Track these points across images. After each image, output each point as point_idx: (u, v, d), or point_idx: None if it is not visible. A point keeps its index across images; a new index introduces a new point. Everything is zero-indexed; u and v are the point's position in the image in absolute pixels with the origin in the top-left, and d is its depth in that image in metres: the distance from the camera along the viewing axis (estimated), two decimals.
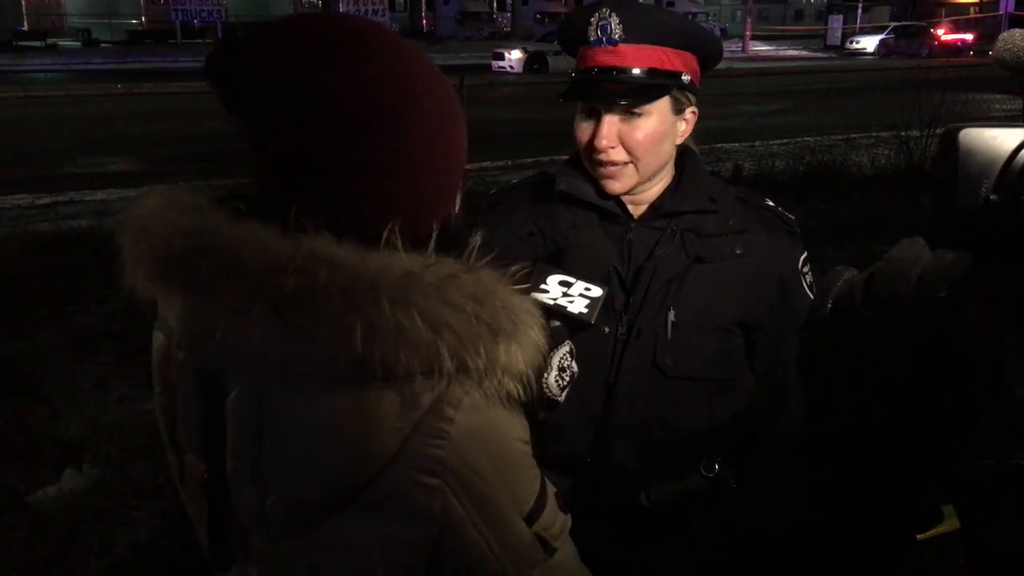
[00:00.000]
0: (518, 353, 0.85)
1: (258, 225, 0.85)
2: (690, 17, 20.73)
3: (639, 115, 1.48)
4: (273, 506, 0.91)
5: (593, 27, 1.47)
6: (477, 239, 0.89)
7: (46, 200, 8.46)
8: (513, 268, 0.89)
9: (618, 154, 1.49)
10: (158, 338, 1.04)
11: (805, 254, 1.62)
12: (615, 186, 1.52)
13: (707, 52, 1.54)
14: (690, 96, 1.54)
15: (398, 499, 0.85)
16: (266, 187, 0.91)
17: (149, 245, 0.87)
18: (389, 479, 0.84)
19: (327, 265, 0.81)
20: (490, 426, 0.86)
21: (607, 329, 1.49)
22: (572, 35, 1.53)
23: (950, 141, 0.70)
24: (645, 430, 1.51)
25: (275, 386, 0.88)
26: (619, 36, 1.45)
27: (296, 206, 0.84)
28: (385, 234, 0.85)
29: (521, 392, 0.86)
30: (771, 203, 1.64)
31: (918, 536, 0.65)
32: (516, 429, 0.90)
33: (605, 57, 1.47)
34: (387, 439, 0.83)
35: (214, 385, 0.94)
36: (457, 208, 0.97)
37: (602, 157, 1.50)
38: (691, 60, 1.51)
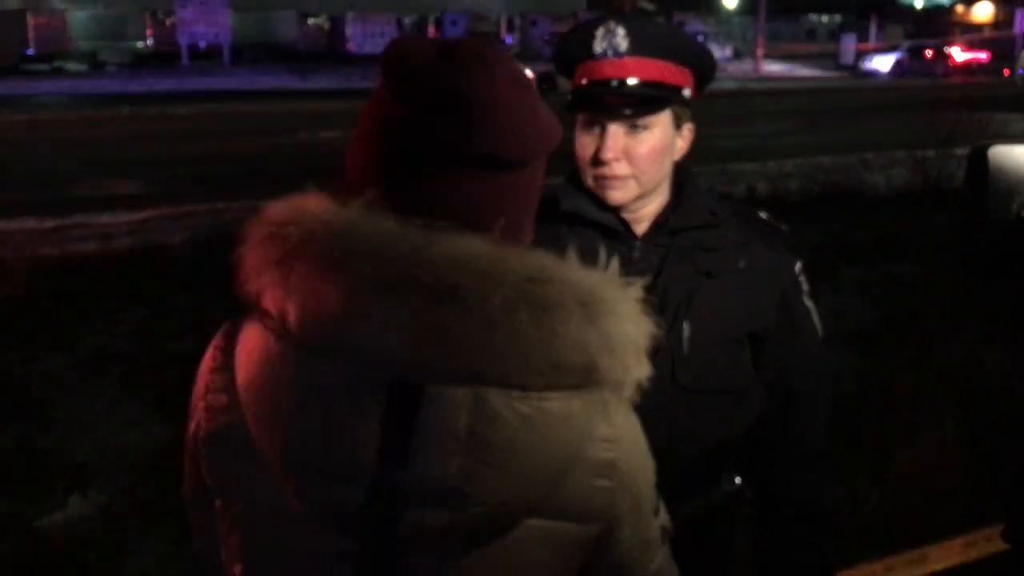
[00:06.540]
0: (646, 365, 0.96)
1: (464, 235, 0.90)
2: (700, 37, 20.91)
3: (643, 128, 1.49)
4: (469, 518, 0.89)
5: (599, 40, 1.48)
6: None
7: (52, 224, 8.50)
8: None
9: (622, 168, 1.49)
10: (216, 358, 0.98)
11: (800, 263, 1.65)
12: (616, 196, 1.51)
13: (704, 69, 1.56)
14: (688, 112, 1.56)
15: (577, 502, 0.92)
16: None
17: (298, 243, 0.89)
18: (570, 483, 0.91)
19: (559, 278, 0.90)
20: (637, 428, 1.00)
21: None
22: (573, 50, 1.54)
23: (979, 158, 0.69)
24: (670, 448, 1.48)
25: (489, 393, 0.89)
26: (625, 48, 1.47)
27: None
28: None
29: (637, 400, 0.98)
30: (764, 215, 1.67)
31: None
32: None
33: (610, 69, 1.48)
34: (573, 445, 0.91)
35: (388, 397, 0.89)
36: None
37: (606, 171, 1.49)
38: (689, 76, 1.53)
